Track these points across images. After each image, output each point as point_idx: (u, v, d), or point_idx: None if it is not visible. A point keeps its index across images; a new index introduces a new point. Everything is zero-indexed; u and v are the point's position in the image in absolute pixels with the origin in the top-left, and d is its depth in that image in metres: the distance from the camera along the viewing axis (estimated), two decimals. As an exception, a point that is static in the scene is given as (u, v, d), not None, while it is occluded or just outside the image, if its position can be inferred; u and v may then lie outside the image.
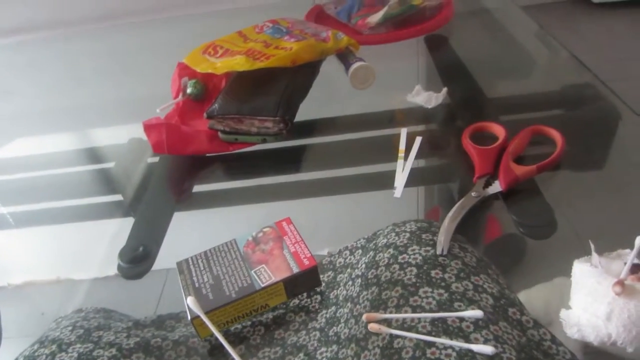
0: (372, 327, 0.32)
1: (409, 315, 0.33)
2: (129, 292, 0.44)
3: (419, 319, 0.32)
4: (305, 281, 0.37)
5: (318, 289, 0.38)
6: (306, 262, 0.36)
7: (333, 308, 0.36)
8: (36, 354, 0.35)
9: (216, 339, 0.35)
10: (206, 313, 0.34)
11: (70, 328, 0.36)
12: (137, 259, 0.44)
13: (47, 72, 0.89)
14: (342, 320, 0.35)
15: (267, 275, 0.36)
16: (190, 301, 0.34)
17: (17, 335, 0.43)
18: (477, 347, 0.30)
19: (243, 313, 0.36)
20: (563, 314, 0.32)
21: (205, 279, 0.37)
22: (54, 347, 0.35)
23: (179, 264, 0.38)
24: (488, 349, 0.30)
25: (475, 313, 0.32)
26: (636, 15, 1.85)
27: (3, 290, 0.48)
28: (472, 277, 0.34)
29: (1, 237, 0.56)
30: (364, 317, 0.33)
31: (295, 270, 0.36)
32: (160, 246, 0.47)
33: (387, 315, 0.33)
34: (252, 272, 0.36)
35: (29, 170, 0.65)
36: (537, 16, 0.78)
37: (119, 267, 0.44)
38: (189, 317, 0.34)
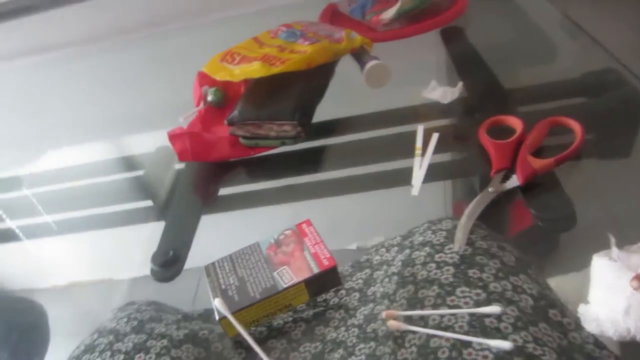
0: (392, 324, 0.33)
1: (427, 312, 0.34)
2: (166, 291, 0.47)
3: (456, 318, 0.32)
4: (326, 281, 0.38)
5: (356, 286, 0.39)
6: (326, 262, 0.38)
7: (371, 305, 0.37)
8: (95, 342, 0.38)
9: (257, 334, 0.37)
10: (232, 314, 0.36)
11: (125, 320, 0.39)
12: (168, 263, 0.47)
13: (74, 87, 0.92)
14: (379, 317, 0.35)
15: (289, 276, 0.38)
16: (217, 302, 0.36)
17: (65, 333, 0.46)
18: (494, 342, 0.31)
19: (268, 313, 0.38)
20: (582, 308, 0.32)
21: (231, 281, 0.39)
22: (111, 337, 0.37)
23: (206, 267, 0.41)
24: (506, 345, 0.30)
25: (492, 309, 0.32)
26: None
27: (49, 291, 0.52)
28: (510, 277, 0.34)
29: (45, 243, 0.60)
30: (384, 314, 0.34)
31: (316, 270, 0.37)
32: (190, 249, 0.50)
33: (406, 313, 0.34)
34: (275, 273, 0.38)
35: (68, 180, 0.69)
36: (557, -2, 0.76)
37: (152, 271, 0.47)
38: (217, 318, 0.36)
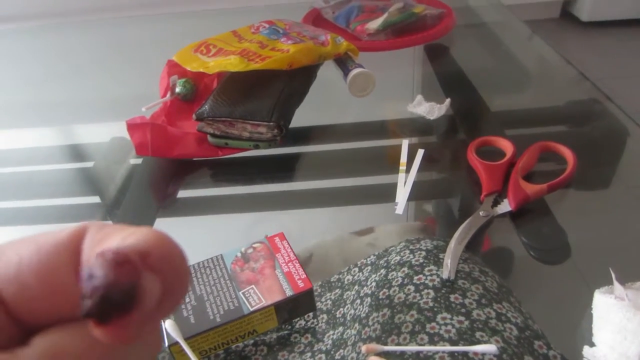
0: (374, 360, 0.29)
1: (413, 348, 0.30)
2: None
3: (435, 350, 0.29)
4: (299, 305, 0.33)
5: (324, 308, 0.35)
6: (301, 284, 0.33)
7: (340, 329, 0.33)
8: None
9: (212, 357, 0.32)
10: (186, 339, 0.30)
11: None
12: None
13: (29, 64, 0.84)
14: (349, 343, 0.31)
15: (257, 297, 0.32)
16: (168, 325, 0.30)
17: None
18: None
19: (228, 340, 0.32)
20: (587, 351, 0.29)
21: (187, 300, 0.33)
22: None
23: (157, 280, 0.34)
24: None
25: (487, 348, 0.29)
26: (623, 35, 1.87)
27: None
28: (494, 304, 0.31)
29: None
30: (363, 349, 0.30)
31: (289, 293, 0.32)
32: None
33: (389, 348, 0.30)
34: (240, 293, 0.32)
35: (7, 164, 0.60)
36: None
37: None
38: (166, 344, 0.30)
